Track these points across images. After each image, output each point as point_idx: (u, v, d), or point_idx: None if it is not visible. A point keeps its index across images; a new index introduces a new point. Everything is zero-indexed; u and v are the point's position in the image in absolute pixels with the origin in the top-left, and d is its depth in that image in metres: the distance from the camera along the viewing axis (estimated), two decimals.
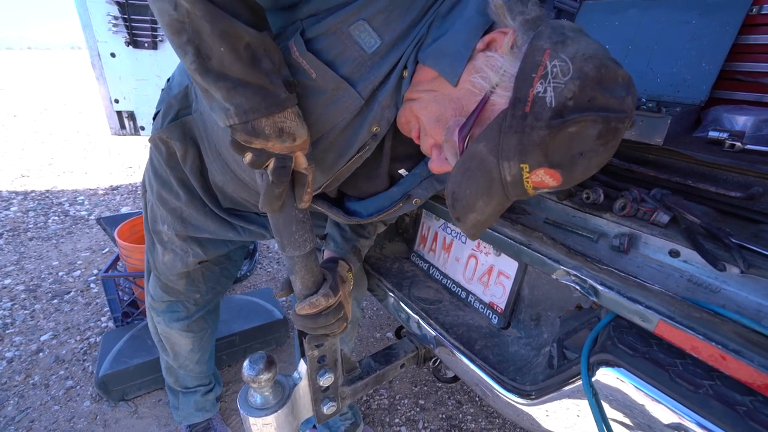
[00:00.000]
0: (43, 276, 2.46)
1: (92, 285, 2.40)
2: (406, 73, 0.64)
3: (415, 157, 0.81)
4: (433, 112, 0.63)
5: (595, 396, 0.68)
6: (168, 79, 0.96)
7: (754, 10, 1.01)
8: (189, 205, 0.97)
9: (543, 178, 0.55)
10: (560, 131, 0.51)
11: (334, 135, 0.68)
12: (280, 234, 0.69)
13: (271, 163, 0.61)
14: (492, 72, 0.57)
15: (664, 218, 0.76)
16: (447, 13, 0.62)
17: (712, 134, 0.91)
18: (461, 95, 0.61)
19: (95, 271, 2.52)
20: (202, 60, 0.53)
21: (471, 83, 0.59)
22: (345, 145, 0.71)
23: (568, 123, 0.50)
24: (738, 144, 0.86)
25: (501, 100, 0.57)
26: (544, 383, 0.80)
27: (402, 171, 0.82)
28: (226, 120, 0.57)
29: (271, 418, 0.79)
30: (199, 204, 0.98)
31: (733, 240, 0.69)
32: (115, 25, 1.96)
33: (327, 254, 0.98)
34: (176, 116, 0.86)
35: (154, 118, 0.94)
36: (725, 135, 0.88)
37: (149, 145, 0.94)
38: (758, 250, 0.67)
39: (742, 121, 0.95)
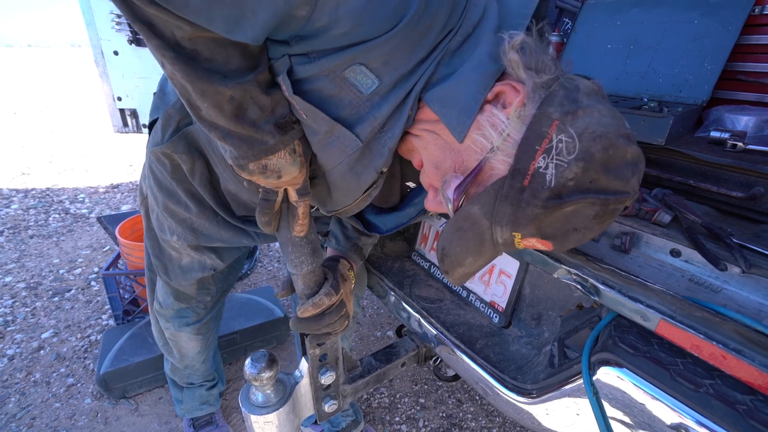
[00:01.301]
0: (43, 274, 2.46)
1: (93, 283, 2.40)
2: (411, 112, 0.60)
3: None
4: (433, 156, 0.62)
5: (595, 395, 0.68)
6: (160, 82, 0.88)
7: (757, 10, 1.01)
8: (200, 216, 0.93)
9: (534, 244, 0.56)
10: (555, 211, 0.50)
11: (335, 176, 0.66)
12: (281, 249, 0.73)
13: (260, 193, 0.64)
14: (495, 133, 0.55)
15: (666, 218, 0.76)
16: (456, 48, 0.57)
17: (714, 134, 0.91)
18: (462, 149, 0.59)
19: (96, 269, 2.53)
20: (194, 111, 0.55)
21: (472, 140, 0.57)
22: (350, 188, 0.69)
23: (565, 204, 0.50)
24: (740, 144, 0.86)
25: (501, 166, 0.55)
26: (544, 382, 0.80)
27: (410, 184, 0.83)
28: (225, 159, 0.61)
29: (272, 416, 0.79)
30: (211, 214, 0.94)
31: (735, 240, 0.69)
32: (118, 23, 1.96)
33: (329, 252, 0.99)
34: (177, 128, 0.81)
35: (150, 126, 0.88)
36: (727, 135, 0.88)
37: (150, 155, 0.89)
38: (759, 250, 0.67)
39: (743, 121, 0.95)
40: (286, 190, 0.65)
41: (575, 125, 0.49)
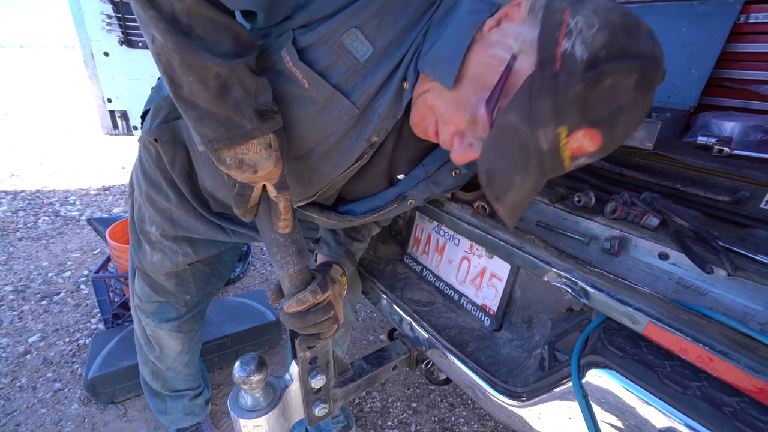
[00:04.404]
0: (32, 277, 2.42)
1: (82, 286, 2.37)
2: (407, 85, 0.64)
3: (414, 161, 0.82)
4: (451, 96, 0.61)
5: (585, 397, 0.68)
6: (159, 77, 0.94)
7: (742, 18, 1.03)
8: (179, 207, 0.95)
9: (582, 143, 0.52)
10: (597, 84, 0.48)
11: (329, 145, 0.69)
12: (267, 250, 0.73)
13: (236, 187, 0.65)
14: (511, 40, 0.55)
15: (654, 221, 0.77)
16: (441, 20, 0.62)
17: (701, 139, 0.92)
18: (480, 72, 0.58)
19: (85, 272, 2.49)
20: (175, 88, 0.56)
21: (490, 57, 0.57)
22: (342, 156, 0.71)
23: (604, 74, 0.47)
24: (726, 149, 0.88)
25: (525, 66, 0.53)
26: (535, 385, 0.80)
27: (400, 176, 0.83)
28: (198, 145, 0.60)
29: (262, 420, 0.79)
30: (189, 206, 0.96)
31: (721, 243, 0.70)
32: (108, 24, 1.95)
33: (320, 258, 0.98)
34: (165, 120, 0.85)
35: (142, 117, 0.93)
36: (713, 140, 0.90)
37: (139, 144, 0.92)
38: (745, 253, 0.68)
39: (729, 126, 0.96)
40: (264, 186, 0.66)
41: (586, 7, 0.49)
